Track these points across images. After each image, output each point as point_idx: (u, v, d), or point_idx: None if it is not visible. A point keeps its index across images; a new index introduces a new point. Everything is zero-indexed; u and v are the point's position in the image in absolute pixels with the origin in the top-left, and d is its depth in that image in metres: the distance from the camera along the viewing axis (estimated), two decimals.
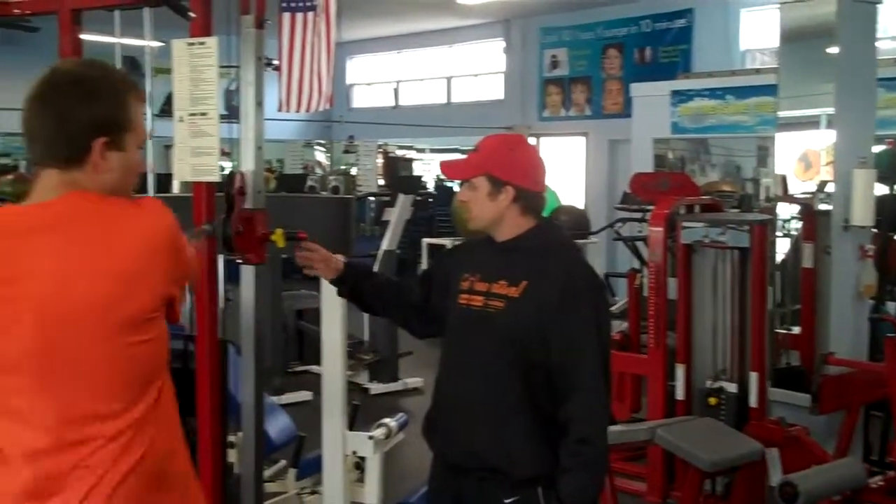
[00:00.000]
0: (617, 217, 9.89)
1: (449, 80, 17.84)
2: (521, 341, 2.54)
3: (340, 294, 3.00)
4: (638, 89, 11.46)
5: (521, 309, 2.55)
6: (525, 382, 2.55)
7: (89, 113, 1.88)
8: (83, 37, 3.39)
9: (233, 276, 3.33)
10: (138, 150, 1.98)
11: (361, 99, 19.50)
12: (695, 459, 4.37)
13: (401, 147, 18.61)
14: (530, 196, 2.65)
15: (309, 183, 15.51)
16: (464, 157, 2.73)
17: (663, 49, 14.00)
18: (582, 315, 2.54)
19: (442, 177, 18.17)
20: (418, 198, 9.97)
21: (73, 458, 1.85)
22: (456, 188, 15.77)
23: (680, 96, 10.80)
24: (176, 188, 10.44)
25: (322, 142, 19.53)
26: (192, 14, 3.12)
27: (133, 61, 7.58)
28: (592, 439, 2.51)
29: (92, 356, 1.87)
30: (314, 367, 7.64)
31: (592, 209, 13.26)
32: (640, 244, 8.59)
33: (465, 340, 2.67)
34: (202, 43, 3.11)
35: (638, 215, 9.13)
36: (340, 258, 2.91)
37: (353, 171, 17.52)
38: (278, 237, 3.02)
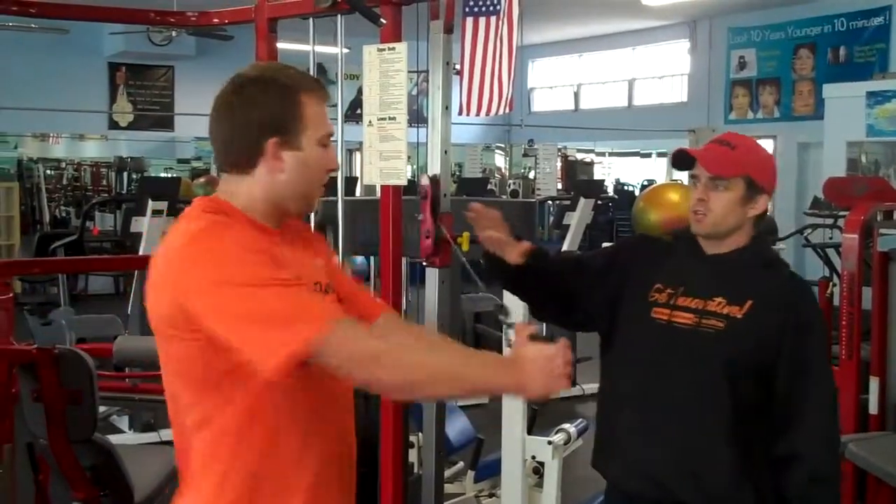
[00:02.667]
0: (806, 223, 9.55)
1: (631, 82, 17.62)
2: (741, 365, 2.29)
3: (510, 279, 2.63)
4: (831, 90, 11.05)
5: (745, 331, 2.31)
6: (735, 409, 2.30)
7: (256, 114, 1.89)
8: (279, 45, 3.53)
9: (413, 278, 3.38)
10: (321, 147, 1.95)
11: (542, 102, 19.48)
12: (888, 477, 4.19)
13: (580, 150, 18.51)
14: (766, 209, 2.44)
15: (488, 186, 15.61)
16: (720, 147, 2.42)
17: (858, 48, 13.42)
18: (815, 342, 2.33)
19: (623, 181, 18.01)
20: (599, 202, 9.86)
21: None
22: (636, 191, 15.58)
23: (876, 97, 10.35)
24: (359, 191, 10.71)
25: (501, 145, 19.61)
26: (383, 20, 3.19)
27: (320, 67, 7.80)
28: (829, 478, 2.30)
29: (162, 367, 1.96)
30: None
31: (780, 214, 12.83)
32: (831, 251, 8.26)
33: (662, 360, 2.38)
34: (392, 48, 3.18)
35: (829, 221, 8.80)
36: (526, 243, 2.58)
37: (531, 174, 17.53)
38: (465, 241, 3.06)
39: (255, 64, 2.15)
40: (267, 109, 1.90)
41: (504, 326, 2.32)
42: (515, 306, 4.02)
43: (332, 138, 2.00)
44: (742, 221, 2.41)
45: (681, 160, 2.46)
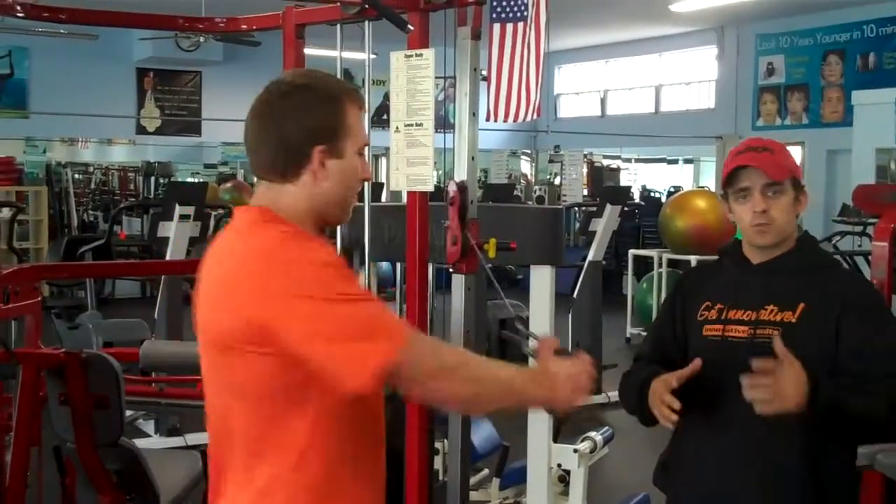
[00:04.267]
0: (835, 230, 9.49)
1: (658, 88, 17.56)
2: (806, 368, 2.16)
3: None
4: (860, 97, 10.98)
5: (804, 333, 2.26)
6: (804, 418, 2.17)
7: (303, 122, 1.88)
8: (306, 51, 3.53)
9: (439, 285, 3.38)
10: (359, 155, 1.96)
11: (568, 108, 19.45)
12: None
13: (607, 156, 18.47)
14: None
15: (514, 192, 15.60)
16: (763, 153, 2.37)
17: (888, 55, 13.31)
18: (874, 315, 2.29)
19: (649, 187, 17.96)
20: (625, 208, 9.86)
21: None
22: (663, 198, 15.53)
23: None
24: (384, 197, 10.72)
25: (527, 151, 19.60)
26: (410, 27, 3.19)
27: (347, 73, 7.84)
28: None
29: (210, 381, 1.92)
30: None
31: (808, 221, 12.75)
32: (860, 259, 8.20)
33: (720, 375, 2.30)
34: (419, 55, 3.18)
35: (858, 229, 8.74)
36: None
37: (557, 180, 17.50)
38: (491, 247, 3.05)
39: (297, 71, 2.14)
40: (315, 117, 1.89)
41: (525, 338, 2.34)
42: (541, 319, 4.02)
43: (366, 147, 2.00)
44: (794, 223, 2.40)
45: (735, 174, 2.38)
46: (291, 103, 1.89)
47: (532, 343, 2.22)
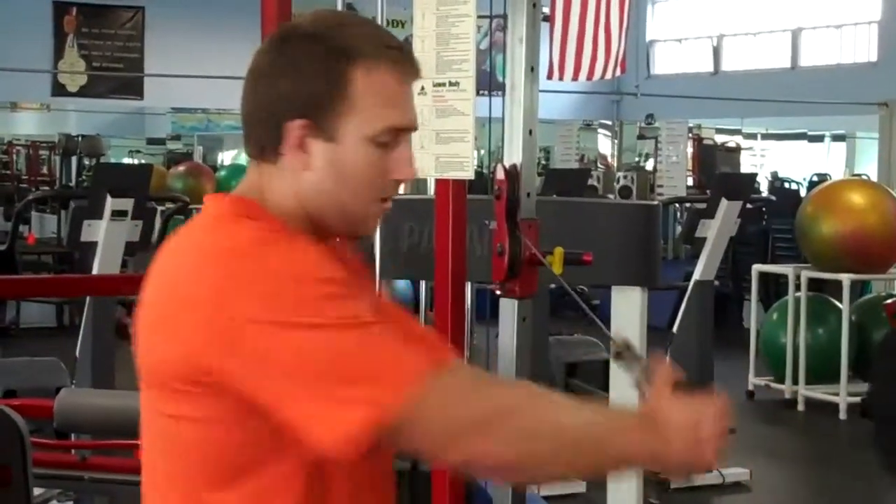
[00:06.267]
0: None
1: (796, 33, 17.51)
2: None
3: None
4: None
5: None
6: None
7: (285, 85, 1.89)
8: None
9: (481, 312, 3.38)
10: (374, 145, 1.92)
11: (666, 62, 19.43)
12: None
13: (721, 131, 18.41)
14: None
15: (588, 181, 15.57)
16: None
17: None
18: None
19: (782, 175, 17.88)
20: (748, 205, 9.78)
21: None
22: (802, 191, 15.40)
23: None
24: (401, 188, 10.75)
25: (607, 123, 19.59)
26: None
27: (349, 6, 7.87)
28: None
29: (148, 422, 1.93)
30: None
31: None
32: None
33: None
34: None
35: None
36: None
37: (649, 164, 17.46)
38: (556, 260, 3.04)
39: (320, 12, 2.06)
40: (299, 78, 1.89)
41: (622, 363, 2.12)
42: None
43: (408, 133, 1.96)
44: None
45: None
46: (284, 58, 1.91)
47: (628, 362, 2.04)
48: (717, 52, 18.68)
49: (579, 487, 7.48)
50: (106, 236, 7.39)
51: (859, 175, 15.99)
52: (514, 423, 1.81)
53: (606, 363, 4.10)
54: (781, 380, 10.15)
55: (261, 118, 1.92)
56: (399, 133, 1.94)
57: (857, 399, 9.09)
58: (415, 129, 1.98)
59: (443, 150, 3.23)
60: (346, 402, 1.73)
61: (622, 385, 4.09)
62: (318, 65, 1.89)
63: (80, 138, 16.64)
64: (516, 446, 1.79)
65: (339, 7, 3.50)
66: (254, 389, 1.76)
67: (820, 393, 9.95)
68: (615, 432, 1.86)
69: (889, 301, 9.56)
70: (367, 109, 1.91)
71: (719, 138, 18.21)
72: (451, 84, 3.21)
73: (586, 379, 8.33)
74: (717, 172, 15.10)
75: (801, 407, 9.97)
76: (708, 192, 11.24)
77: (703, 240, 8.48)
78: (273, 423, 1.77)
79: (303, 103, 1.89)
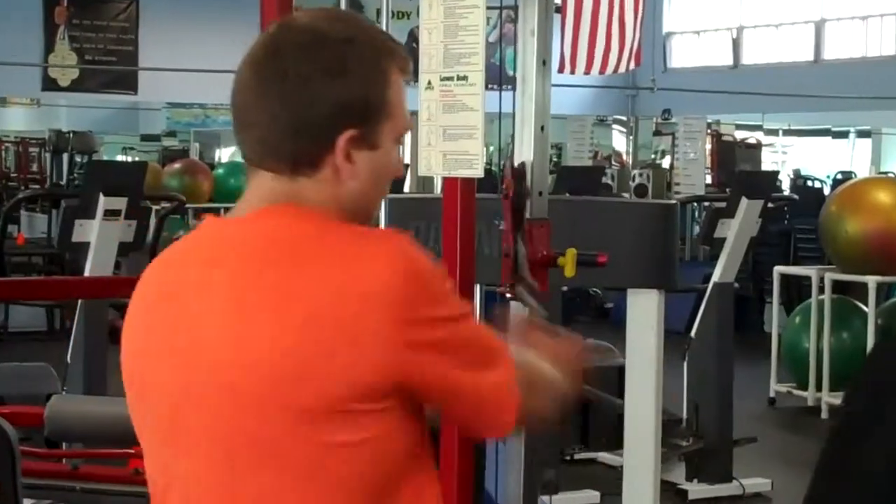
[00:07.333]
0: None
1: (819, 25, 17.50)
2: None
3: None
4: None
5: None
6: None
7: (333, 92, 1.86)
8: None
9: (488, 314, 3.38)
10: (396, 146, 1.95)
11: (683, 55, 19.42)
12: None
13: (741, 127, 18.40)
14: None
15: (602, 179, 15.57)
16: None
17: None
18: None
19: (805, 173, 17.86)
20: (770, 204, 9.77)
21: None
22: (826, 189, 15.38)
23: None
24: (407, 186, 10.74)
25: (622, 118, 19.58)
26: None
27: (354, 1, 7.88)
28: None
29: (281, 451, 1.85)
30: (605, 456, 7.69)
31: None
32: None
33: None
34: None
35: None
36: None
37: (666, 162, 17.46)
38: (569, 262, 3.04)
39: (322, 11, 2.04)
40: (348, 86, 1.87)
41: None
42: (642, 367, 4.01)
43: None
44: None
45: None
46: (318, 61, 1.87)
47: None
48: (736, 45, 18.67)
49: (594, 497, 7.49)
50: (98, 237, 7.39)
51: (885, 173, 15.98)
52: (542, 385, 2.10)
53: (620, 369, 4.11)
54: (804, 386, 10.12)
55: (296, 129, 1.87)
56: (405, 133, 2.00)
57: None
58: (412, 129, 2.13)
59: (451, 147, 3.22)
60: (502, 384, 1.93)
61: (637, 394, 4.11)
62: (367, 69, 1.89)
63: (71, 135, 16.64)
64: (545, 402, 2.09)
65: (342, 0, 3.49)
66: (436, 383, 1.88)
67: None
68: (560, 380, 2.16)
69: None
70: (397, 112, 1.93)
71: (739, 134, 18.23)
72: (459, 78, 3.21)
73: (597, 386, 8.32)
74: (737, 170, 15.11)
75: (824, 415, 9.90)
76: (727, 190, 11.22)
77: (723, 240, 8.46)
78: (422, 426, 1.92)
79: (357, 111, 1.88)
